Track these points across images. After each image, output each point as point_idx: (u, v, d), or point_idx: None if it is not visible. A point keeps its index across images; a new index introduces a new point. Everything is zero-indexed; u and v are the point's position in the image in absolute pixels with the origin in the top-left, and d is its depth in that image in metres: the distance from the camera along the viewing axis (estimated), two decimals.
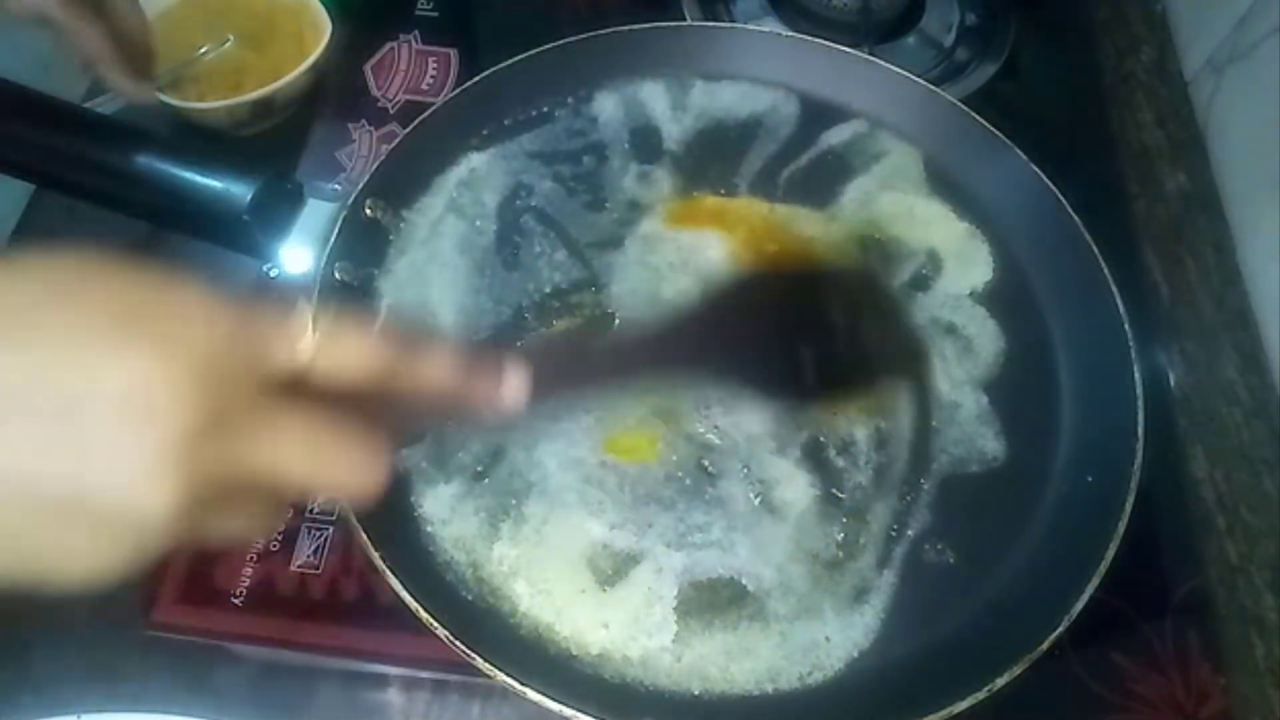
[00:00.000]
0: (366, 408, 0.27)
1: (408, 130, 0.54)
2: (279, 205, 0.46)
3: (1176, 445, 0.56)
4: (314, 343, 0.25)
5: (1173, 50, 0.72)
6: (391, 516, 0.43)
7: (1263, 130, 0.60)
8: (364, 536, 0.40)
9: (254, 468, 0.24)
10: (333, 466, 0.26)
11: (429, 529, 0.45)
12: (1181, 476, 0.55)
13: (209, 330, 0.24)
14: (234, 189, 0.44)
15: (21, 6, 0.45)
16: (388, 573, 0.39)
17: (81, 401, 0.22)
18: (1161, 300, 0.61)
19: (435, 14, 0.73)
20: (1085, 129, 0.69)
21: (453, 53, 0.70)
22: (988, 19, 0.72)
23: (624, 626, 0.43)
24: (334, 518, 0.50)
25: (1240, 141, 0.64)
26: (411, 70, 0.69)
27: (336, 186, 0.62)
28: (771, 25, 0.71)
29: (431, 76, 0.69)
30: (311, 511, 0.50)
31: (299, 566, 0.48)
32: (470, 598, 0.43)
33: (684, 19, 0.70)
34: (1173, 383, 0.58)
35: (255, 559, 0.48)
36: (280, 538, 0.49)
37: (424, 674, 0.46)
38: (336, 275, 0.48)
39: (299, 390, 0.25)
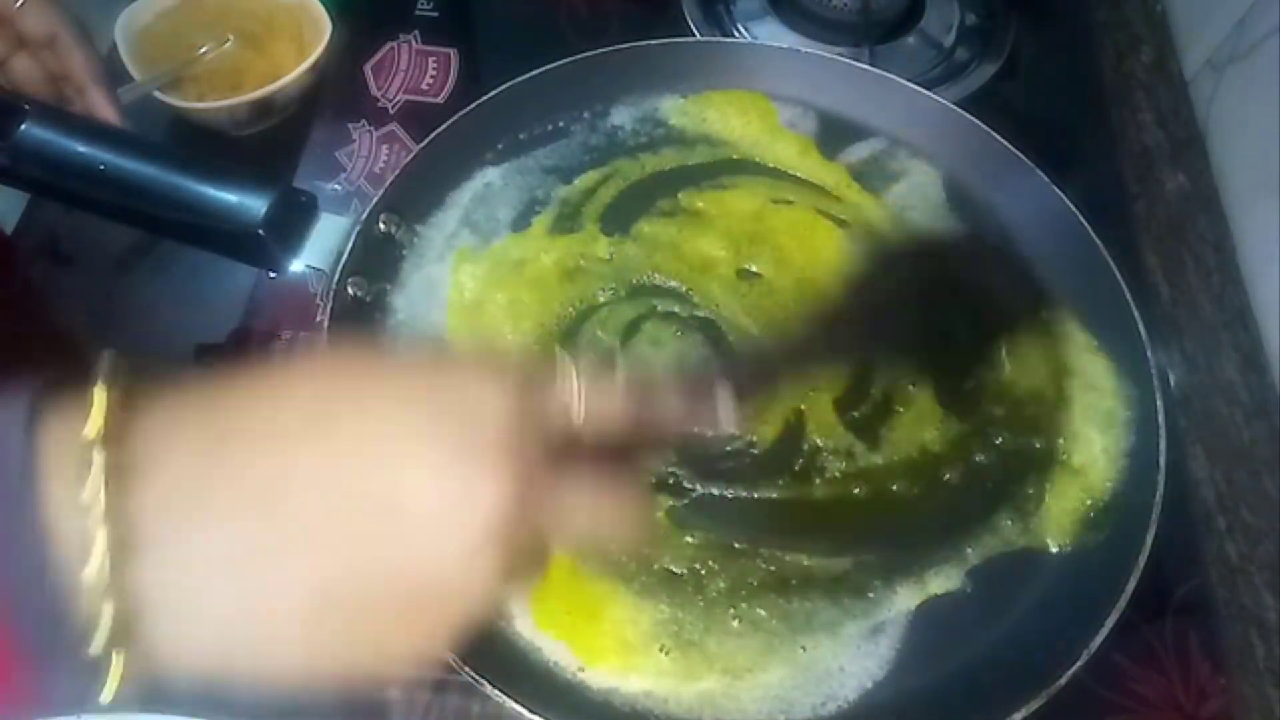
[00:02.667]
0: (621, 452, 0.28)
1: (422, 144, 0.53)
2: (293, 219, 0.46)
3: (1176, 445, 0.56)
4: (581, 402, 0.26)
5: (1173, 50, 0.72)
6: None
7: (1263, 130, 0.60)
8: None
9: (548, 529, 0.25)
10: (612, 515, 0.27)
11: None
12: (1181, 476, 0.55)
13: (500, 405, 0.24)
14: (248, 203, 0.43)
15: (33, 32, 0.45)
16: None
17: (398, 493, 0.22)
18: (1161, 300, 0.61)
19: (435, 14, 0.73)
20: (1085, 129, 0.69)
21: (453, 53, 0.70)
22: (988, 19, 0.72)
23: (636, 652, 0.42)
24: None
25: (1240, 141, 0.64)
26: (411, 70, 0.69)
27: (337, 186, 0.62)
28: (772, 25, 0.71)
29: (431, 76, 0.69)
30: None
31: None
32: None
33: (684, 19, 0.70)
34: (1173, 383, 0.58)
35: None
36: None
37: (424, 674, 0.46)
38: (349, 290, 0.48)
39: (570, 448, 0.26)
